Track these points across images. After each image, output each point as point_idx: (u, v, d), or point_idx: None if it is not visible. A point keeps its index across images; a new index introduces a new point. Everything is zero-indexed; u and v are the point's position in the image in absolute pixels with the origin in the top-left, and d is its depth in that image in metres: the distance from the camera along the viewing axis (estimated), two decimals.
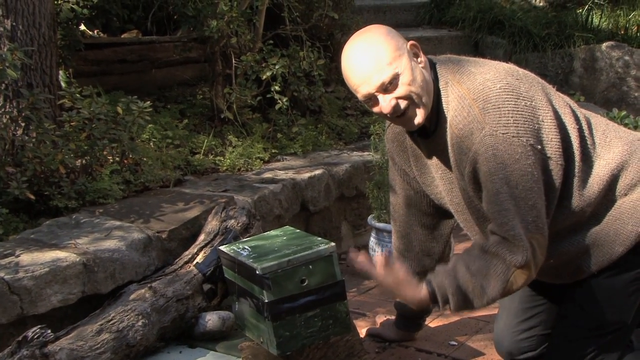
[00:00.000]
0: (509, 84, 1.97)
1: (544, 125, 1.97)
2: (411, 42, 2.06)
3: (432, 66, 2.08)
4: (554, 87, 2.18)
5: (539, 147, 1.95)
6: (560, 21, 6.25)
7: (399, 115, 2.04)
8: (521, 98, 1.95)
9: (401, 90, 2.00)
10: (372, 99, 2.03)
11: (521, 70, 2.07)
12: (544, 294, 2.35)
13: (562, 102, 2.10)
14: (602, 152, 2.09)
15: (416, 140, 2.19)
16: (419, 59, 2.05)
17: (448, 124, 2.03)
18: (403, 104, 2.01)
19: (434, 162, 2.17)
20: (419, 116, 2.03)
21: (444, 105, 2.04)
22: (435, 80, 2.06)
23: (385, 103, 2.01)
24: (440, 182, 2.19)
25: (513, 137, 1.92)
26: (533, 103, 1.97)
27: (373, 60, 1.98)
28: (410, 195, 2.40)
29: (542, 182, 1.96)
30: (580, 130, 2.07)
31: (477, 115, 1.95)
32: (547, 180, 1.98)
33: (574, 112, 2.10)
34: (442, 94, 2.05)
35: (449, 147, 2.04)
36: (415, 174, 2.30)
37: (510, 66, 2.07)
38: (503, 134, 1.92)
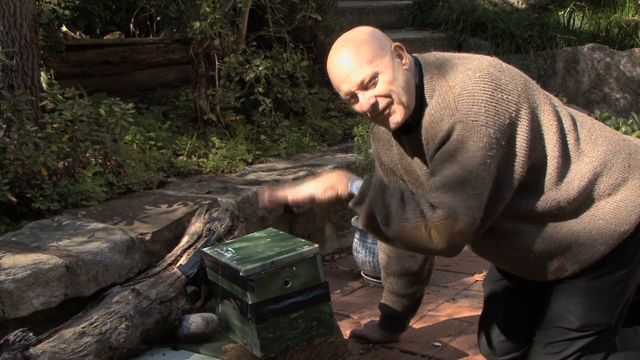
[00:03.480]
0: (490, 74, 1.99)
1: (516, 121, 1.98)
2: (396, 43, 2.07)
3: (417, 64, 2.09)
4: (539, 84, 2.19)
5: (504, 143, 1.96)
6: (542, 23, 6.29)
7: (379, 114, 2.05)
8: (498, 90, 1.97)
9: (381, 88, 2.01)
10: (353, 97, 2.05)
11: (505, 64, 2.09)
12: (528, 294, 2.36)
13: (544, 99, 2.11)
14: (586, 148, 2.10)
15: (400, 137, 2.20)
16: (403, 60, 2.06)
17: (425, 112, 2.04)
18: (382, 102, 2.02)
19: (416, 160, 2.17)
20: (399, 115, 2.04)
21: (427, 100, 2.05)
22: (420, 76, 2.07)
23: (365, 101, 2.03)
24: (424, 179, 2.19)
25: (481, 126, 1.93)
26: (510, 97, 1.98)
27: (354, 58, 2.01)
28: None
29: (493, 177, 1.97)
30: (560, 127, 2.08)
31: (451, 102, 1.97)
32: (502, 177, 1.99)
33: (555, 108, 2.11)
34: (426, 88, 2.06)
35: (423, 138, 2.06)
36: (401, 173, 2.30)
37: (495, 59, 2.08)
38: (472, 121, 1.93)
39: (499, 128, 1.95)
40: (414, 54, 2.12)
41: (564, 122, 2.11)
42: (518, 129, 1.99)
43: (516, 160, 1.99)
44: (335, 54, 2.05)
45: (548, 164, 2.05)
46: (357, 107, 2.07)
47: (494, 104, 1.95)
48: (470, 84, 1.97)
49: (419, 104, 2.07)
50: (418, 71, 2.08)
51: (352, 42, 2.04)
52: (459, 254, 2.07)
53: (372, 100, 2.03)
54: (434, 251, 2.03)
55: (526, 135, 1.99)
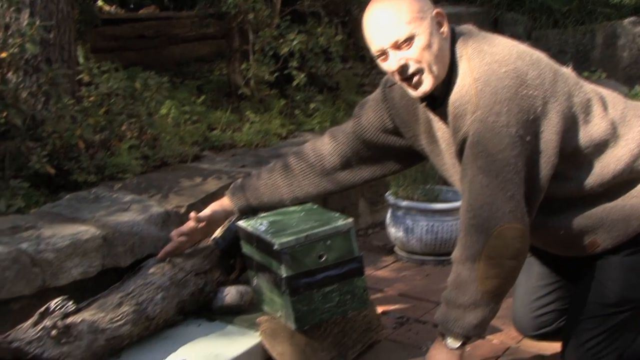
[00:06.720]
0: (516, 69, 1.93)
1: (542, 116, 1.93)
2: (437, 10, 2.02)
3: (453, 37, 2.06)
4: (570, 65, 2.14)
5: (529, 138, 1.92)
6: None
7: (407, 78, 2.01)
8: (524, 86, 1.92)
9: (413, 52, 1.97)
10: (383, 54, 2.01)
11: (535, 55, 2.02)
12: (561, 270, 2.34)
13: (575, 88, 2.04)
14: (622, 131, 2.07)
15: (426, 110, 2.16)
16: (442, 29, 2.02)
17: (449, 99, 2.01)
18: (413, 66, 1.98)
19: (440, 135, 2.14)
20: (427, 84, 2.00)
21: (454, 79, 2.02)
22: (453, 52, 2.04)
23: (395, 60, 1.98)
24: (446, 154, 2.16)
25: (502, 126, 1.89)
26: (536, 92, 1.93)
27: (393, 15, 1.96)
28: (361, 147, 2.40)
29: (524, 172, 1.93)
30: (592, 115, 2.03)
31: (473, 96, 1.93)
32: (533, 170, 1.95)
33: (586, 96, 2.06)
34: (454, 67, 2.02)
35: (450, 126, 2.03)
36: (424, 144, 2.26)
37: (525, 49, 2.02)
38: (492, 121, 1.89)
39: (522, 125, 1.91)
40: (451, 25, 2.09)
41: (595, 109, 2.06)
42: (545, 122, 1.94)
43: (547, 152, 1.95)
44: (375, 7, 2.00)
45: (581, 152, 2.02)
46: (386, 66, 2.02)
47: (517, 102, 1.90)
48: (494, 79, 1.92)
49: (447, 80, 2.03)
50: (452, 45, 2.05)
51: None
52: None
53: (402, 62, 1.98)
54: (514, 269, 1.99)
55: (555, 127, 1.95)
